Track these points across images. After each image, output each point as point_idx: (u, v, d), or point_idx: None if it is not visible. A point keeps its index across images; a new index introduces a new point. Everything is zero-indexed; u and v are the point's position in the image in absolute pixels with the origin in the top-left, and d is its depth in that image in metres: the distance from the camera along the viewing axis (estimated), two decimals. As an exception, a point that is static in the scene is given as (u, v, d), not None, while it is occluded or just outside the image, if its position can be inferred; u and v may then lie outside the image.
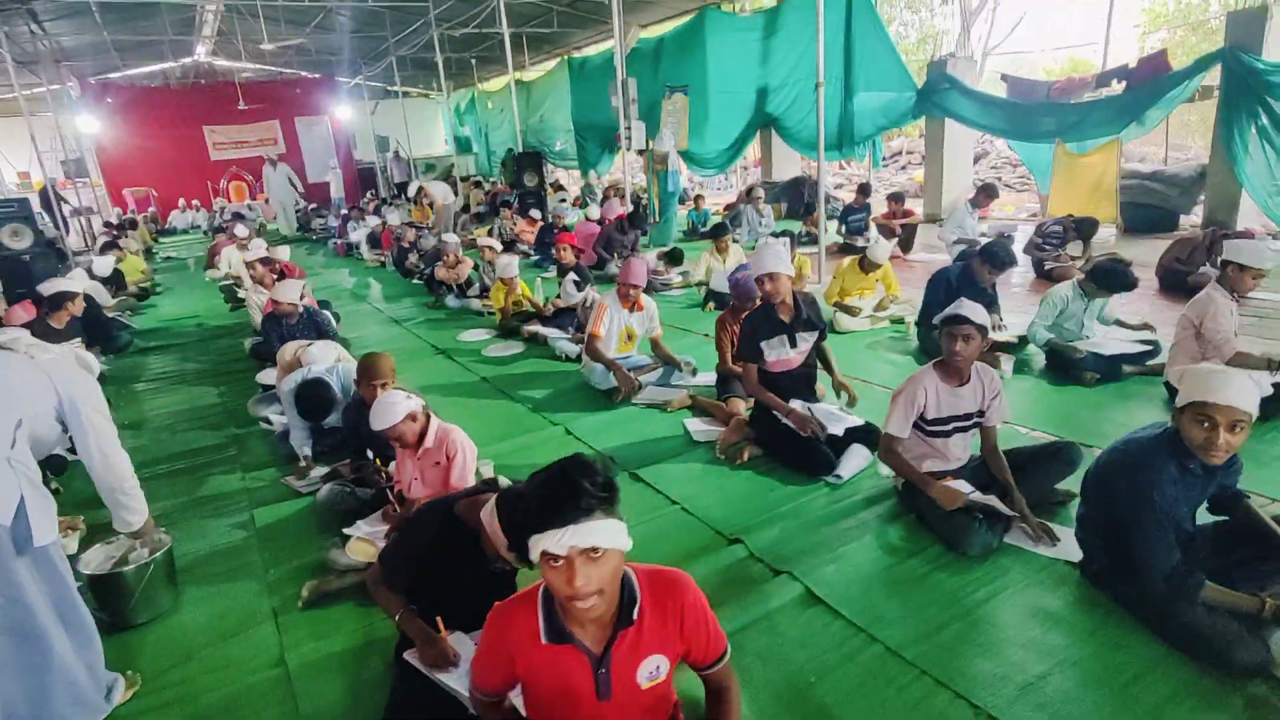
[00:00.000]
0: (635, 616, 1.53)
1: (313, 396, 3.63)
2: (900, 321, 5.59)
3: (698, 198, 11.23)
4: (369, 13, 17.08)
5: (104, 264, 8.72)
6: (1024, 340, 4.66)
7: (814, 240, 9.51)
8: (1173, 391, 3.76)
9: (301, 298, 5.41)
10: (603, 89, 16.35)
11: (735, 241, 7.43)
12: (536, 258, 10.04)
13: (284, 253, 7.54)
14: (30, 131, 13.03)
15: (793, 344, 3.54)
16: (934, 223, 10.31)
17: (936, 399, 2.82)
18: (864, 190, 9.11)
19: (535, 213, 10.75)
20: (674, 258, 7.64)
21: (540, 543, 1.35)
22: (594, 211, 10.49)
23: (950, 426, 2.87)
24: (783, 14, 12.13)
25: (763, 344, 3.51)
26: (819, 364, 3.73)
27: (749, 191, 10.64)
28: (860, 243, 8.72)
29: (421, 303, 7.96)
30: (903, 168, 18.77)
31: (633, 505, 3.23)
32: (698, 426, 3.96)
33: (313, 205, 19.05)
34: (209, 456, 4.17)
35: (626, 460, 3.66)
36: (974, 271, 4.73)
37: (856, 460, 3.32)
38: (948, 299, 4.71)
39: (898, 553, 2.73)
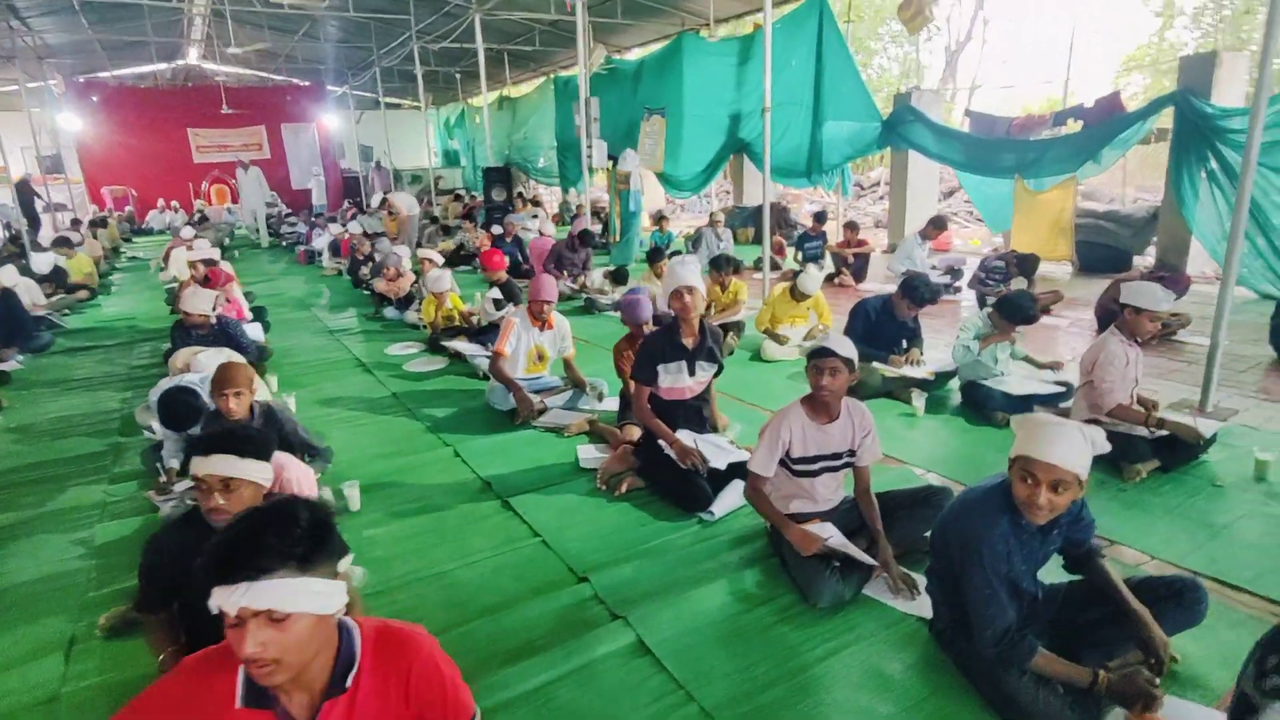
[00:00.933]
0: (349, 684, 1.34)
1: (177, 403, 3.44)
2: (828, 353, 5.45)
3: (660, 219, 11.12)
4: (354, 24, 17.09)
5: (43, 261, 8.53)
6: (942, 377, 4.52)
7: (775, 266, 9.46)
8: (1078, 436, 3.63)
9: (216, 308, 5.24)
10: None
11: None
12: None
13: (210, 253, 7.33)
14: (-5, 125, 12.74)
15: (691, 372, 3.39)
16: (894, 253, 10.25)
17: (803, 436, 2.67)
18: (819, 218, 9.03)
19: (497, 228, 10.64)
20: (619, 277, 7.52)
21: (215, 598, 1.18)
22: (548, 227, 10.38)
23: (818, 466, 2.71)
24: (756, 42, 12.12)
25: (660, 367, 3.36)
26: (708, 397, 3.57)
27: (711, 215, 10.55)
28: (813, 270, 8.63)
29: (364, 313, 7.80)
30: (881, 198, 18.79)
31: (494, 536, 3.06)
32: (589, 454, 3.79)
33: (287, 211, 18.93)
34: (79, 466, 3.98)
35: (505, 486, 3.48)
36: (893, 304, 4.61)
37: (733, 497, 3.15)
38: (866, 331, 4.63)
39: (749, 600, 2.56)
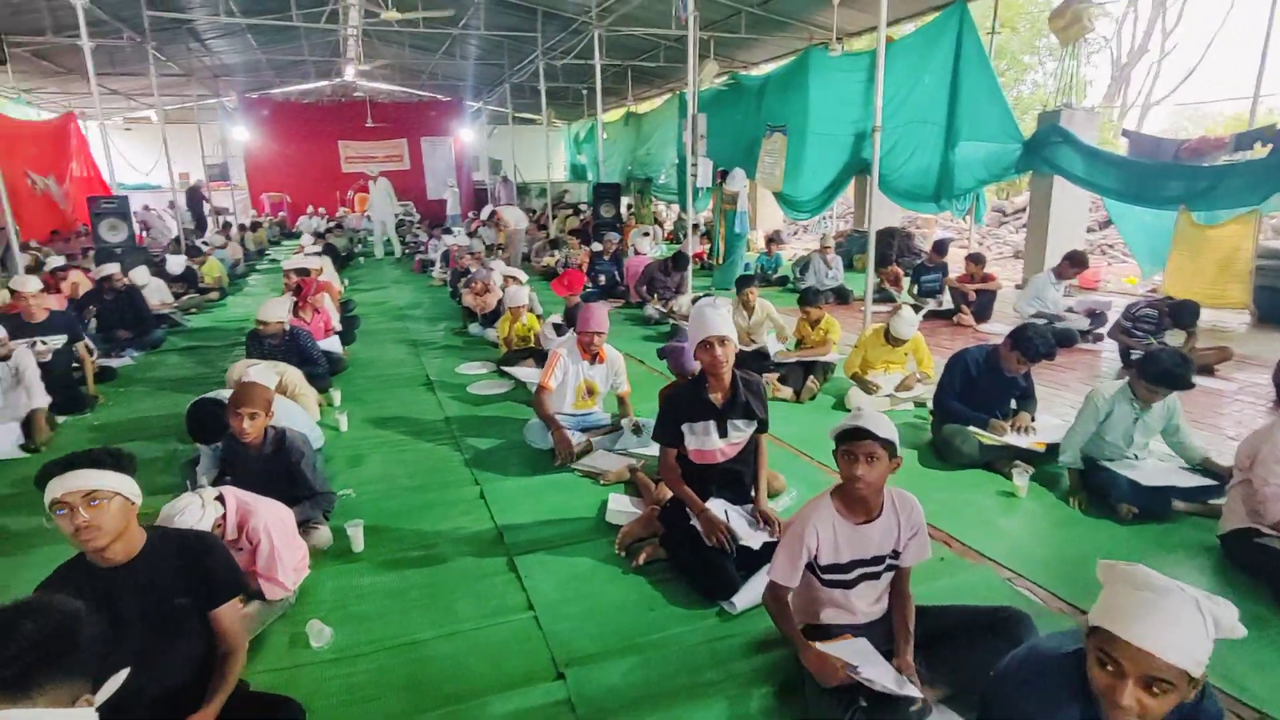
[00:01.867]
0: None
1: (203, 414, 3.37)
2: (924, 405, 4.76)
3: (770, 241, 10.57)
4: (489, 41, 17.72)
5: (175, 262, 9.20)
6: (1056, 450, 3.77)
7: (888, 299, 8.68)
8: (1228, 549, 2.82)
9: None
10: (711, 124, 16.12)
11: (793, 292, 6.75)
12: (590, 288, 9.72)
13: (304, 262, 7.51)
14: (164, 137, 14.13)
15: (723, 433, 2.91)
16: (1033, 290, 9.12)
17: (834, 538, 2.15)
18: (940, 248, 8.17)
19: (598, 244, 10.48)
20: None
21: None
22: (644, 245, 10.07)
23: (854, 574, 2.18)
24: (888, 56, 11.35)
25: (685, 427, 2.91)
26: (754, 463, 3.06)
27: (822, 239, 9.88)
28: (932, 305, 7.80)
29: (452, 327, 7.80)
30: (1024, 225, 17.16)
31: (486, 603, 2.72)
32: (620, 505, 3.39)
33: (416, 220, 19.83)
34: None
35: (517, 540, 3.16)
36: (1000, 356, 3.89)
37: (759, 590, 2.64)
38: (965, 387, 3.95)
39: (750, 732, 2.07)
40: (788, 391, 5.10)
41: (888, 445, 2.05)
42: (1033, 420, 3.93)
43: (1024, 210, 18.33)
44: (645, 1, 12.36)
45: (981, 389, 3.97)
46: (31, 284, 5.08)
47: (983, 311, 7.43)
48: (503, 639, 2.51)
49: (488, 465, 4.02)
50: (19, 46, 13.94)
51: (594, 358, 4.15)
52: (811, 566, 2.17)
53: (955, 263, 9.31)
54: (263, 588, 2.53)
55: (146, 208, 20.08)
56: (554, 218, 18.51)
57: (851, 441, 2.06)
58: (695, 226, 13.78)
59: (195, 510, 2.37)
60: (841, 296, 8.76)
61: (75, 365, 5.46)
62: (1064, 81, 11.27)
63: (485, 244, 13.15)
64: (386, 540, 3.20)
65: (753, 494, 3.01)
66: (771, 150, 13.53)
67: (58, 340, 5.16)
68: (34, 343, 5.06)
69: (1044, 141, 8.92)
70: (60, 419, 4.90)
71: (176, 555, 1.88)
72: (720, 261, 10.09)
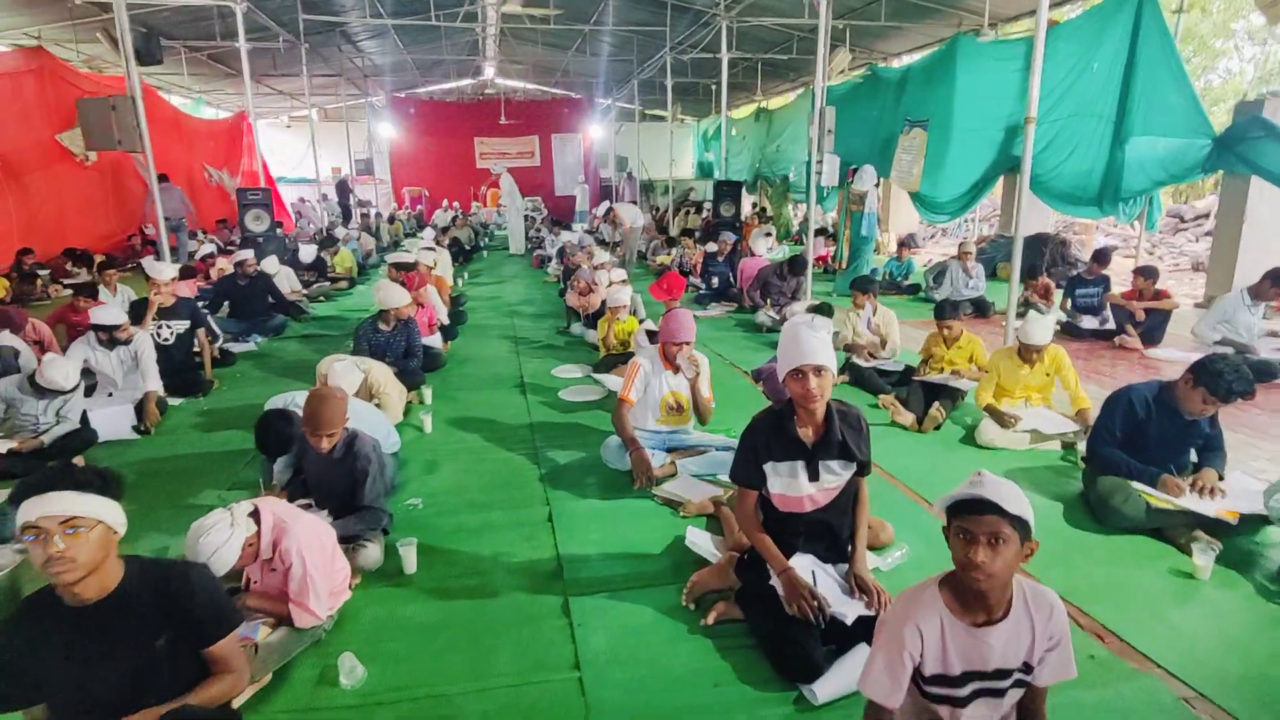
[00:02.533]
0: None
1: (270, 430, 3.27)
2: (1072, 448, 4.01)
3: (902, 245, 9.74)
4: (618, 37, 17.67)
5: (307, 252, 9.64)
6: (1252, 522, 2.99)
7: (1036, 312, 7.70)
8: None
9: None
10: (844, 119, 15.30)
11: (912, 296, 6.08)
12: (701, 289, 9.32)
13: (405, 257, 7.55)
14: (312, 134, 15.02)
15: (813, 476, 2.45)
16: (1217, 310, 7.81)
17: (941, 643, 1.65)
18: (1100, 257, 7.11)
19: (713, 245, 10.06)
20: (822, 313, 6.44)
21: None
22: (761, 246, 9.52)
23: (967, 690, 1.67)
24: (1049, 41, 10.19)
25: (768, 467, 2.48)
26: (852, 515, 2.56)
27: (960, 245, 8.94)
28: (1086, 323, 6.81)
29: (558, 326, 7.65)
30: (1208, 234, 15.06)
31: (529, 655, 2.41)
32: (697, 541, 2.98)
33: (541, 216, 20.14)
34: (218, 464, 4.06)
35: (577, 577, 2.83)
36: (1178, 394, 3.15)
37: (849, 678, 2.16)
38: (1129, 431, 3.26)
39: None
40: (908, 418, 4.49)
41: (1019, 525, 1.54)
42: (1221, 479, 3.16)
43: (1207, 216, 16.17)
44: (778, -10, 11.80)
45: (1152, 434, 3.24)
46: (166, 271, 5.34)
47: (1152, 334, 6.38)
48: (540, 704, 2.18)
49: (562, 482, 3.73)
50: (196, 51, 15.29)
51: (678, 368, 3.77)
52: (915, 681, 1.69)
53: (1119, 276, 8.15)
54: (292, 614, 2.34)
55: (301, 199, 21.66)
56: (675, 215, 18.24)
57: (969, 517, 1.56)
58: (822, 230, 13.08)
59: (223, 530, 2.21)
60: (980, 309, 7.86)
61: (196, 350, 5.71)
62: (1269, 67, 9.68)
63: (605, 241, 13.09)
64: (441, 562, 2.97)
65: (850, 551, 2.52)
66: (910, 147, 12.60)
67: (180, 325, 5.39)
68: (159, 326, 5.31)
69: (1241, 136, 7.61)
70: (175, 401, 5.11)
71: (154, 593, 1.68)
72: (844, 266, 9.39)
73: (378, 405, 4.25)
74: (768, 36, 15.16)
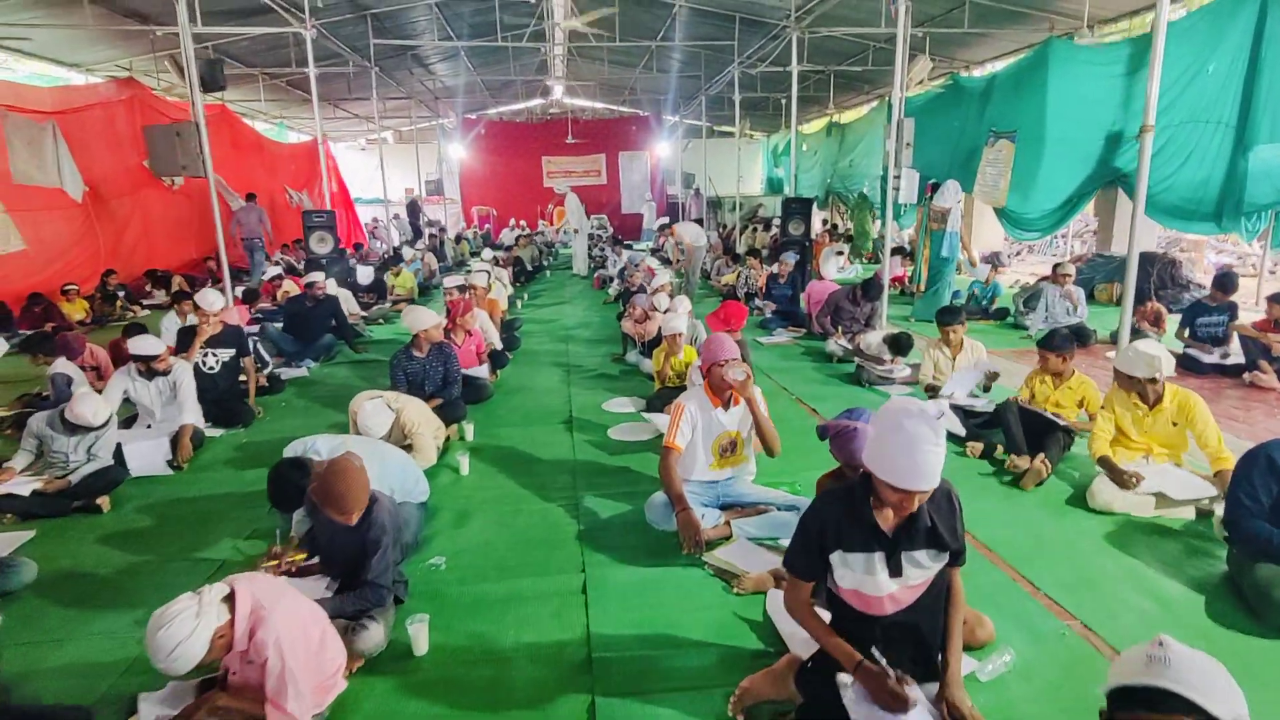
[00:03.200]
0: None
1: (283, 483, 2.97)
2: (1208, 516, 3.34)
3: (992, 266, 8.99)
4: (686, 53, 17.40)
5: (364, 273, 9.61)
6: None
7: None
8: None
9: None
10: (923, 131, 14.55)
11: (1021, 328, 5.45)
12: (767, 315, 8.80)
13: (456, 280, 7.30)
14: (380, 156, 15.22)
15: (895, 571, 1.96)
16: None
17: None
18: (1224, 284, 6.26)
19: (776, 265, 9.52)
20: (900, 345, 5.85)
21: None
22: (831, 268, 8.94)
23: None
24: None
25: (835, 557, 2.00)
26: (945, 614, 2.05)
27: (1055, 265, 8.15)
28: (1207, 358, 5.99)
29: (612, 352, 7.28)
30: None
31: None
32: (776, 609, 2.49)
33: (607, 234, 19.96)
34: (239, 507, 3.82)
35: (608, 676, 2.40)
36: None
37: None
38: (1265, 501, 2.61)
39: None
40: (1025, 465, 3.89)
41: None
42: None
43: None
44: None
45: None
46: (216, 302, 5.23)
47: (1292, 371, 5.53)
48: None
49: (601, 543, 3.31)
50: (274, 78, 15.81)
51: (728, 401, 3.31)
52: None
53: (1245, 302, 7.24)
54: (269, 716, 2.00)
55: (375, 220, 22.17)
56: (743, 232, 17.74)
57: (1148, 713, 1.07)
58: (899, 249, 12.35)
59: (187, 621, 1.88)
60: (1081, 337, 7.08)
61: (243, 380, 5.60)
62: None
63: (669, 259, 12.71)
64: (455, 639, 2.61)
65: (941, 664, 2.01)
66: (995, 160, 11.82)
67: (226, 353, 5.26)
68: (205, 354, 5.19)
69: (1395, 142, 6.64)
70: (215, 433, 4.96)
71: None
72: (922, 289, 8.72)
73: (409, 446, 3.95)
74: (840, 47, 14.58)
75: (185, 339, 5.17)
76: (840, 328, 6.84)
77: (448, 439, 4.64)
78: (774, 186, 25.67)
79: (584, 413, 5.31)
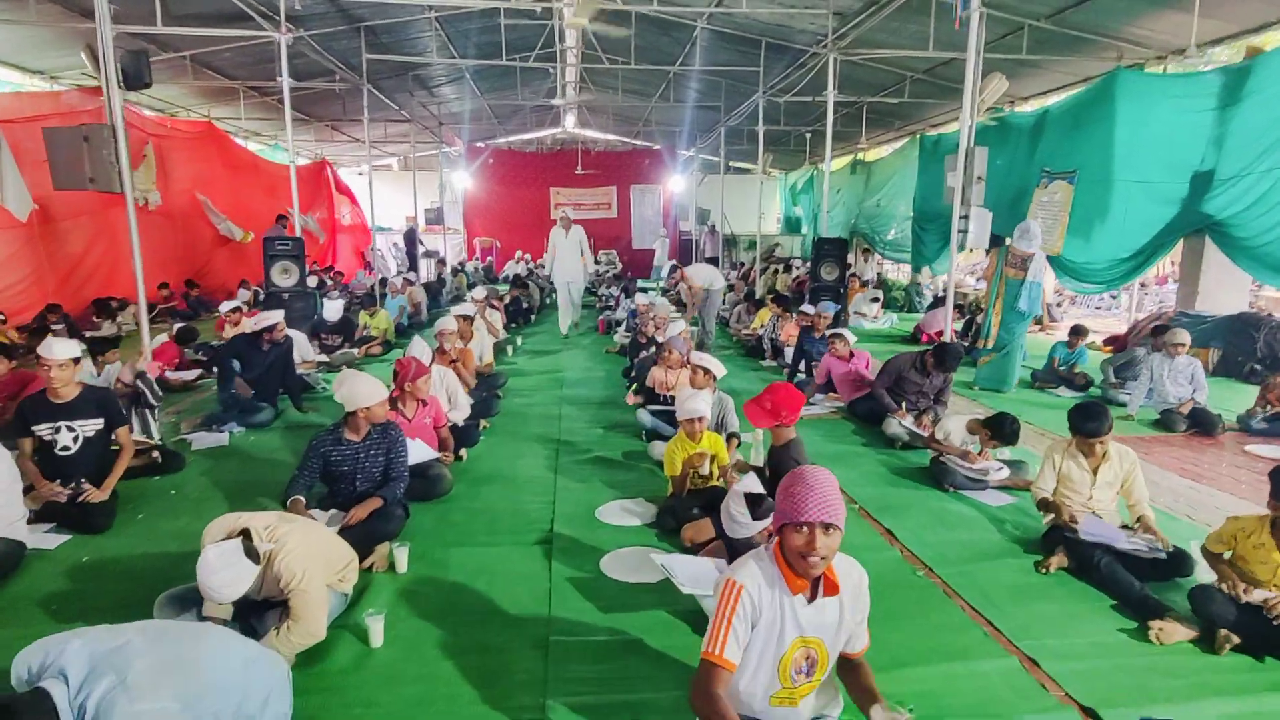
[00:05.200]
0: None
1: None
2: None
3: (1076, 330, 7.57)
4: (705, 83, 16.29)
5: (333, 309, 8.25)
6: None
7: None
8: None
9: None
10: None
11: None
12: (801, 376, 7.38)
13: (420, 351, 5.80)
14: (370, 182, 14.06)
15: None
16: None
17: None
18: None
19: (808, 307, 8.11)
20: (1005, 432, 4.33)
21: None
22: (865, 317, 7.53)
23: None
24: (1256, 74, 8.06)
25: None
26: None
27: (1157, 328, 6.72)
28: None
29: (611, 421, 5.84)
30: None
31: None
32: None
33: (615, 270, 18.72)
34: None
35: None
36: None
37: None
38: None
39: None
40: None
41: None
42: None
43: None
44: (893, 21, 10.02)
45: None
46: (59, 350, 3.79)
47: None
48: None
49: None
50: (265, 95, 14.74)
51: (816, 585, 1.88)
52: None
53: None
54: None
55: (372, 248, 20.98)
56: (762, 273, 16.43)
57: None
58: (943, 300, 10.95)
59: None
60: (1204, 426, 5.59)
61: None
62: None
63: (683, 302, 11.32)
64: None
65: None
66: (1049, 203, 10.53)
67: (89, 426, 3.86)
68: (56, 430, 3.80)
69: None
70: (55, 541, 3.54)
71: None
72: (989, 346, 7.29)
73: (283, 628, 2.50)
74: (874, 78, 13.38)
75: (31, 408, 3.78)
76: (903, 405, 5.39)
77: (369, 568, 3.22)
78: (791, 226, 24.55)
79: (571, 523, 3.86)
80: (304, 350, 7.09)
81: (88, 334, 9.60)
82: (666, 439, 4.95)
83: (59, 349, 3.70)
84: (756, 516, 2.67)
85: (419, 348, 4.85)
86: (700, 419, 3.80)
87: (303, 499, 3.45)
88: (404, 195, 20.49)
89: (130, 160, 12.18)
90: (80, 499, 3.67)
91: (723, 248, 19.61)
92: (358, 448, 3.60)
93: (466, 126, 21.36)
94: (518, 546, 3.59)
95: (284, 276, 8.69)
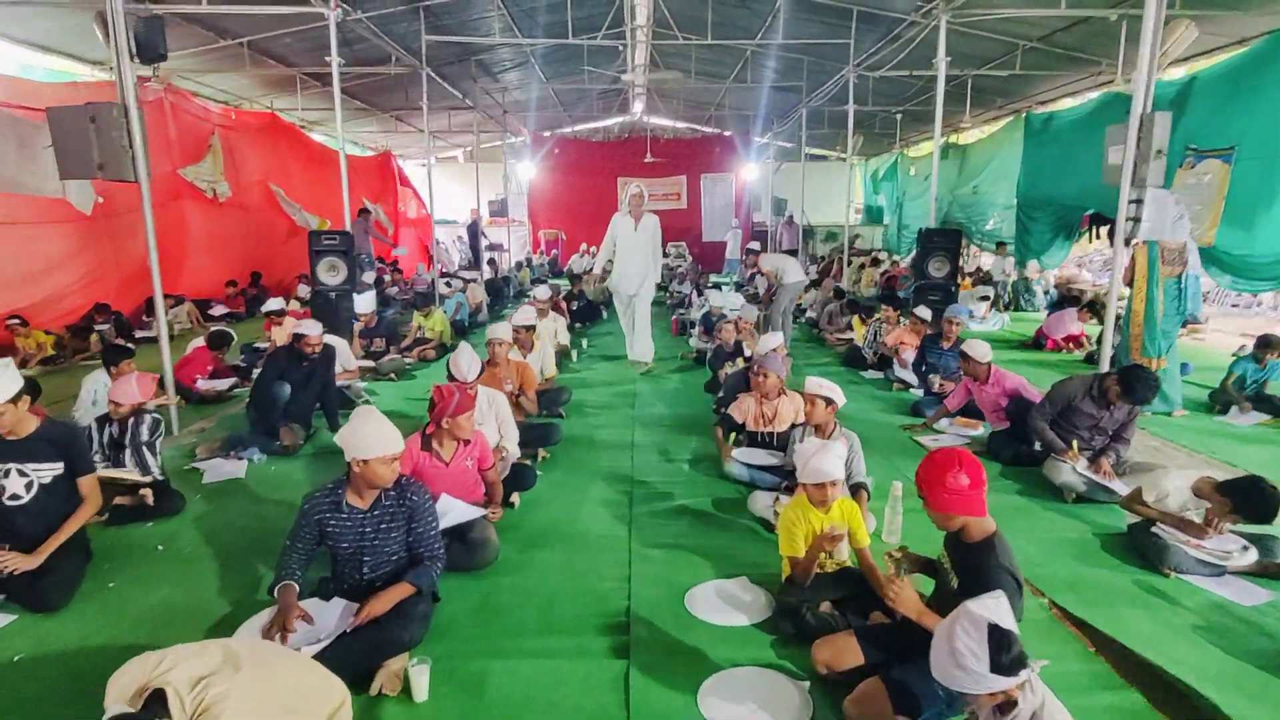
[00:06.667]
0: None
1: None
2: None
3: (1266, 343, 6.14)
4: (786, 62, 15.01)
5: (363, 301, 7.45)
6: None
7: None
8: None
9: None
10: (1073, 152, 11.74)
11: None
12: (918, 393, 6.19)
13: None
14: (429, 173, 13.36)
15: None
16: None
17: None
18: None
19: (925, 310, 6.90)
20: (1254, 503, 3.06)
21: None
22: (973, 317, 6.32)
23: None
24: None
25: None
26: None
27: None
28: None
29: (700, 452, 4.81)
30: None
31: None
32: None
33: (685, 264, 17.62)
34: None
35: None
36: None
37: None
38: None
39: None
40: None
41: None
42: None
43: None
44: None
45: None
46: (5, 384, 2.98)
47: None
48: None
49: None
50: (325, 83, 14.24)
51: None
52: None
53: None
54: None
55: (437, 242, 20.51)
56: (848, 267, 15.06)
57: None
58: (1076, 297, 9.48)
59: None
60: None
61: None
62: None
63: (759, 297, 10.14)
64: None
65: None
66: (1197, 186, 8.94)
67: (45, 472, 3.06)
68: (7, 471, 3.01)
69: None
70: (5, 619, 2.76)
71: None
72: (1157, 362, 5.93)
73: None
74: (977, 49, 11.86)
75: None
76: (1074, 442, 4.17)
77: (376, 693, 2.28)
78: (873, 216, 23.02)
79: (654, 612, 2.85)
80: (345, 358, 6.30)
81: (138, 334, 9.20)
82: (768, 489, 3.91)
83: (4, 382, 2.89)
84: (1002, 668, 1.60)
85: (465, 359, 3.93)
86: (833, 483, 2.74)
87: (295, 585, 2.57)
88: (467, 188, 19.90)
89: (194, 151, 11.97)
90: (5, 568, 2.86)
91: (802, 240, 18.28)
92: (362, 518, 2.67)
93: (532, 114, 20.57)
94: (583, 659, 2.59)
95: (331, 274, 7.96)
